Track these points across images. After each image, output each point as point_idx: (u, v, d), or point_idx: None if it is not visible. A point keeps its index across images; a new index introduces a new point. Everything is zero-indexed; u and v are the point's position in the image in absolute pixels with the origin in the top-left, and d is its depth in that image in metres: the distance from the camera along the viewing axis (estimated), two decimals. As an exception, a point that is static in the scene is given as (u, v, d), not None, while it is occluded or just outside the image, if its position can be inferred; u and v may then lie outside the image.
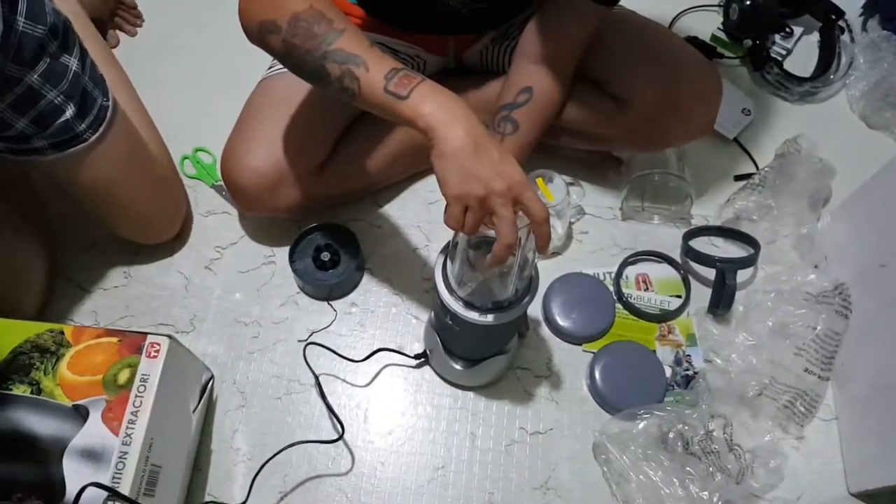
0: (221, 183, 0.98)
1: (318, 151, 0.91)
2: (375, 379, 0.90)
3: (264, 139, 0.88)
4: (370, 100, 0.65)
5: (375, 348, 0.89)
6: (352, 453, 0.85)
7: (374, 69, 0.65)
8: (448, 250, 0.70)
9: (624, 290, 0.97)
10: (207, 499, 0.81)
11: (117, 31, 1.21)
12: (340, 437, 0.83)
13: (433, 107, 0.62)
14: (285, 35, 0.66)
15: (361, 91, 0.65)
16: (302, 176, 0.89)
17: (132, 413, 0.68)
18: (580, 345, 0.94)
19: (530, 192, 0.62)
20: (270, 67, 0.94)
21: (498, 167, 0.61)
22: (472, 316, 0.68)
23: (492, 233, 0.62)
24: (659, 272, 1.00)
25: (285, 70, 0.90)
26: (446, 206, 0.62)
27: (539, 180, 0.93)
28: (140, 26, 1.23)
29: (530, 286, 0.70)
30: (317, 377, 0.88)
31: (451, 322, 0.72)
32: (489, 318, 0.68)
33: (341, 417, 0.84)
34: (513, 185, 0.61)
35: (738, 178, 1.09)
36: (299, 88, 0.89)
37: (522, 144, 0.87)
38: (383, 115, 0.66)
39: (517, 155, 0.86)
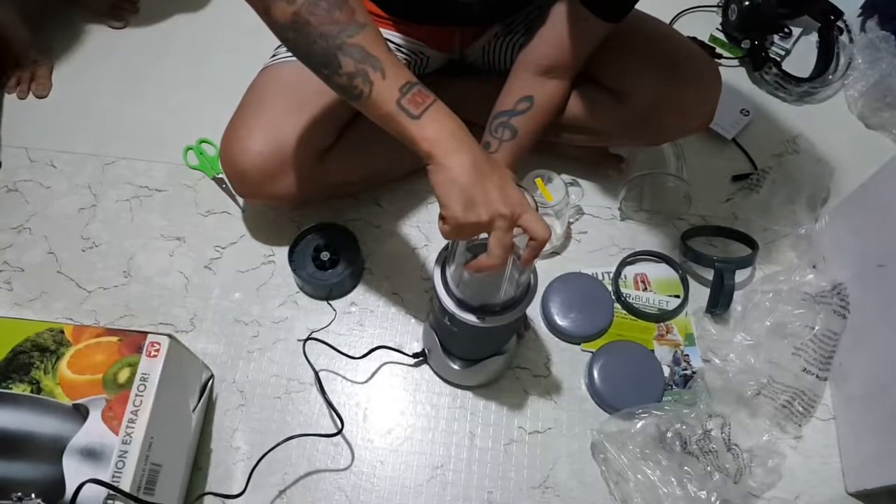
0: (223, 176, 0.98)
1: (322, 137, 0.90)
2: (374, 378, 0.91)
3: (268, 122, 0.86)
4: (377, 108, 0.63)
5: (374, 346, 0.90)
6: (351, 451, 0.85)
7: (390, 78, 0.62)
8: (447, 252, 0.70)
9: (622, 289, 0.97)
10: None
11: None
12: (340, 432, 0.83)
13: (441, 132, 0.62)
14: (300, 8, 0.61)
15: (371, 96, 0.63)
16: (304, 161, 0.88)
17: (132, 412, 0.68)
18: (579, 344, 0.94)
19: (530, 214, 0.62)
20: (274, 56, 0.93)
21: (501, 193, 0.61)
22: (470, 318, 0.68)
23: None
24: (657, 272, 1.00)
25: (290, 58, 0.90)
26: (442, 219, 0.63)
27: (538, 180, 0.93)
28: (136, 13, 1.24)
29: (528, 288, 0.70)
30: (316, 373, 0.88)
31: (449, 323, 0.72)
32: (487, 320, 0.68)
33: (341, 415, 0.84)
34: (514, 210, 0.61)
35: (737, 178, 1.09)
36: (306, 75, 0.88)
37: (518, 150, 0.87)
38: (380, 124, 0.65)
39: (512, 160, 0.87)
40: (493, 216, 0.61)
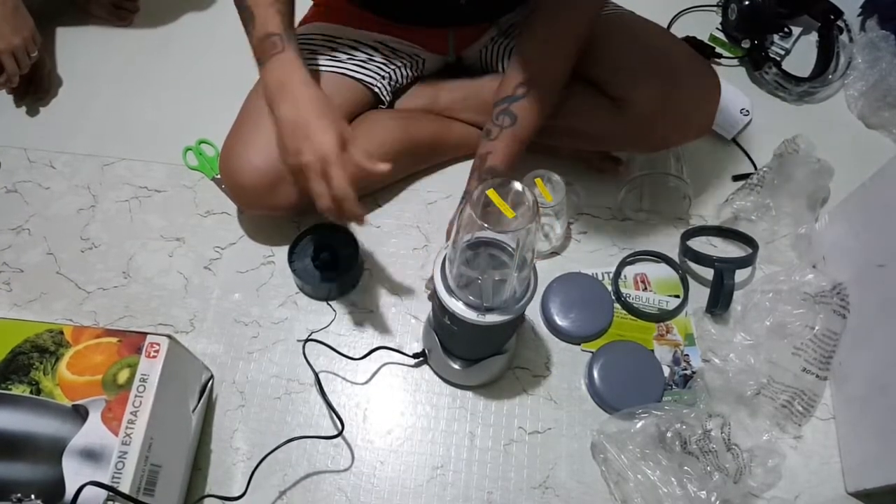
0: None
1: None
2: (374, 378, 0.91)
3: (263, 137, 0.87)
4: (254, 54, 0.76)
5: (374, 347, 0.89)
6: (351, 452, 0.85)
7: (257, 28, 0.74)
8: (446, 251, 0.70)
9: (622, 289, 0.97)
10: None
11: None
12: (340, 434, 0.83)
13: (273, 81, 0.73)
14: None
15: (251, 45, 0.76)
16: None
17: (132, 413, 0.68)
18: (579, 344, 0.94)
19: (335, 169, 0.69)
20: None
21: (308, 142, 0.69)
22: (470, 316, 0.68)
23: (490, 235, 0.62)
24: (657, 272, 1.00)
25: None
26: None
27: (538, 180, 0.93)
28: (136, 13, 1.25)
29: (528, 287, 0.70)
30: (316, 374, 0.88)
31: (449, 322, 0.72)
32: (487, 318, 0.68)
33: (341, 416, 0.84)
34: (323, 158, 0.69)
35: (737, 178, 1.09)
36: None
37: (519, 138, 0.87)
38: None
39: (512, 147, 0.87)
40: (302, 164, 0.69)
